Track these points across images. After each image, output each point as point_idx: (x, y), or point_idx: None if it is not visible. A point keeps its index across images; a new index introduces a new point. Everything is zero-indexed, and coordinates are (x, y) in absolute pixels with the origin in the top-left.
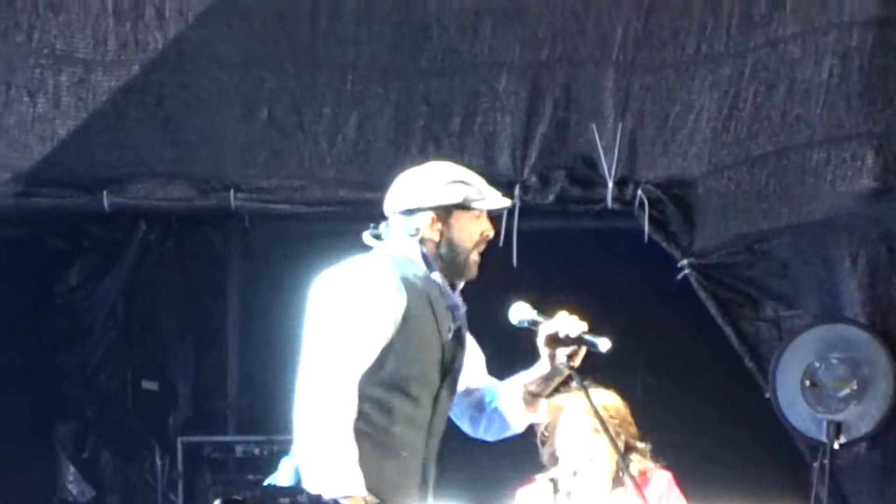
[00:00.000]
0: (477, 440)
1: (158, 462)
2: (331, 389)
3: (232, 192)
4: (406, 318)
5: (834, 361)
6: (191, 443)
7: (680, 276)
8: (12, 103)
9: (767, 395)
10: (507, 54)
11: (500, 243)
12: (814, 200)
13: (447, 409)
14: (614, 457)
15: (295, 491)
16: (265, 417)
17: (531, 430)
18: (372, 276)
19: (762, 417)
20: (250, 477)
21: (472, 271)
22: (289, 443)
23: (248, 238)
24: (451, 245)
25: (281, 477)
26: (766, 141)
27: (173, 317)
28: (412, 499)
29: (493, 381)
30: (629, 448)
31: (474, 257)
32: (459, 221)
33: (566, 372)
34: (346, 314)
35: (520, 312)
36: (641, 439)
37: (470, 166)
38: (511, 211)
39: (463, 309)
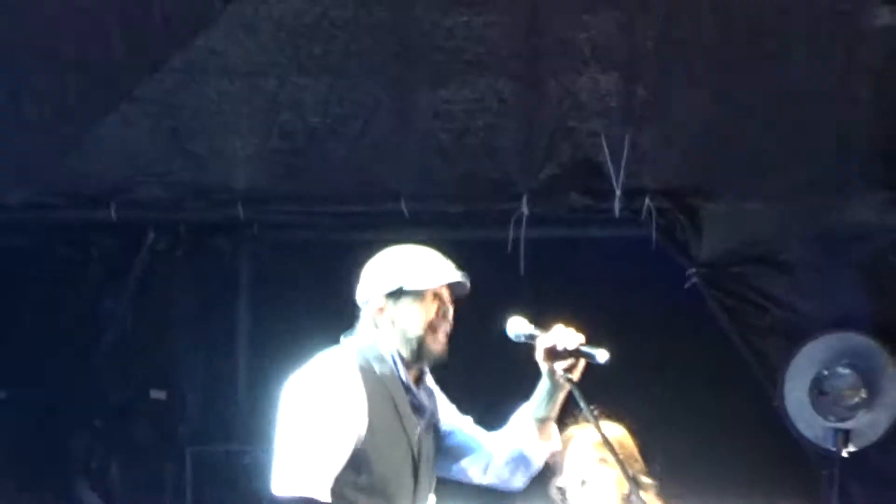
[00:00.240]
0: None
1: (167, 471)
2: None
3: (241, 201)
4: (371, 422)
5: (842, 370)
6: (200, 452)
7: (688, 285)
8: (20, 112)
9: (776, 404)
10: (514, 62)
11: (508, 251)
12: (822, 209)
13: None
14: (621, 488)
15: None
16: (274, 427)
17: None
18: (336, 383)
19: (771, 426)
20: (259, 486)
21: (433, 354)
22: None
23: (257, 247)
24: (402, 332)
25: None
26: (774, 148)
27: (182, 326)
28: None
29: (494, 433)
30: (635, 483)
31: (433, 340)
32: (403, 307)
33: (567, 386)
34: (313, 424)
35: (516, 327)
36: (647, 475)
37: (477, 175)
38: (519, 219)
39: (429, 406)
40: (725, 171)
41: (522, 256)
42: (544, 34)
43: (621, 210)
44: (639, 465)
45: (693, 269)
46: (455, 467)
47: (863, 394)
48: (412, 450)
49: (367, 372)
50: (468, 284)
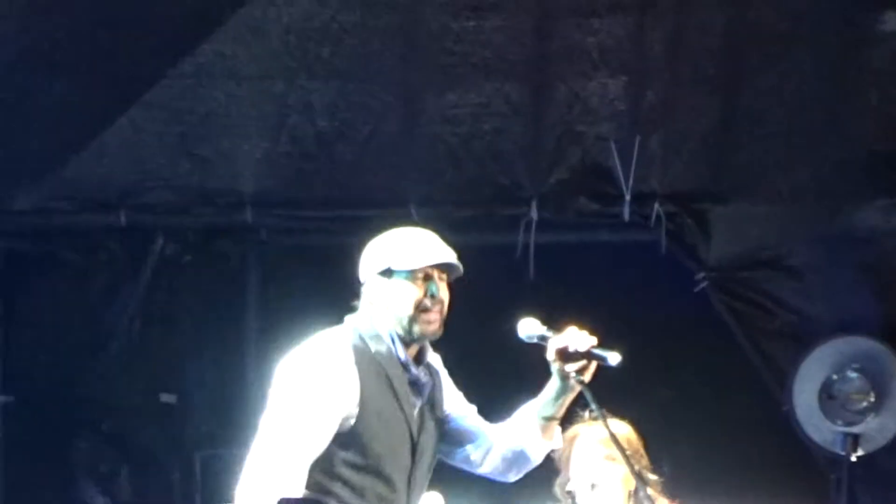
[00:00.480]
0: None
1: (176, 475)
2: (271, 475)
3: (249, 205)
4: (363, 400)
5: (851, 374)
6: (209, 456)
7: (697, 289)
8: (29, 116)
9: (785, 408)
10: (522, 66)
11: (517, 256)
12: (829, 213)
13: (423, 483)
14: (628, 485)
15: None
16: None
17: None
18: (325, 361)
19: (779, 430)
20: None
21: (423, 334)
22: None
23: (266, 251)
24: (392, 312)
25: None
26: (782, 153)
27: (191, 330)
28: None
29: (497, 425)
30: (641, 479)
31: (421, 320)
32: (391, 288)
33: (577, 388)
34: (296, 402)
35: (528, 328)
36: (653, 472)
37: (485, 179)
38: (528, 224)
39: (428, 384)
40: (734, 175)
41: (532, 261)
42: (552, 38)
43: (630, 214)
44: (645, 461)
45: (702, 274)
46: (455, 452)
47: (871, 398)
48: (410, 428)
49: (360, 350)
50: (459, 266)
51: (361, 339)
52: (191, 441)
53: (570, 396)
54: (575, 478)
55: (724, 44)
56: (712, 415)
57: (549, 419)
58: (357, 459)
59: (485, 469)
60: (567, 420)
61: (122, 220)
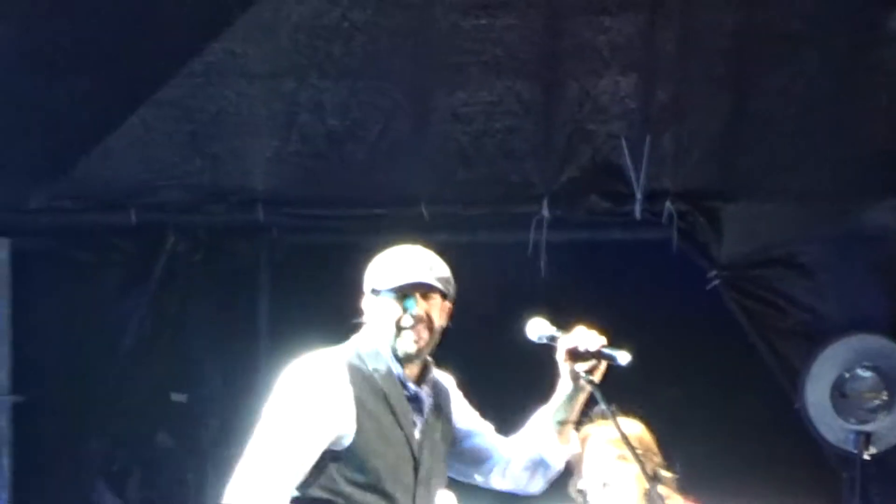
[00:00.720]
0: None
1: (188, 475)
2: (256, 491)
3: (260, 204)
4: (360, 418)
5: (863, 372)
6: (221, 455)
7: (709, 287)
8: (39, 116)
9: (797, 406)
10: (532, 64)
11: (529, 254)
12: (841, 211)
13: (429, 502)
14: (641, 484)
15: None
16: None
17: None
18: (317, 379)
19: (792, 428)
20: None
21: (404, 351)
22: None
23: (277, 250)
24: (377, 331)
25: None
26: (793, 151)
27: (202, 329)
28: None
29: (512, 438)
30: (654, 478)
31: (400, 339)
32: (377, 306)
33: (588, 388)
34: (285, 419)
35: (537, 328)
36: (666, 469)
37: (496, 177)
38: (539, 222)
39: (429, 402)
40: (745, 173)
41: (543, 259)
42: (563, 36)
43: (642, 213)
44: (658, 458)
45: (714, 272)
46: (473, 472)
47: (884, 396)
48: (411, 446)
49: (356, 368)
50: (436, 285)
51: (360, 357)
52: (202, 440)
53: (582, 397)
54: (587, 477)
55: (734, 43)
56: (724, 413)
57: (563, 423)
58: (357, 477)
59: (508, 484)
60: (578, 420)
61: (133, 218)
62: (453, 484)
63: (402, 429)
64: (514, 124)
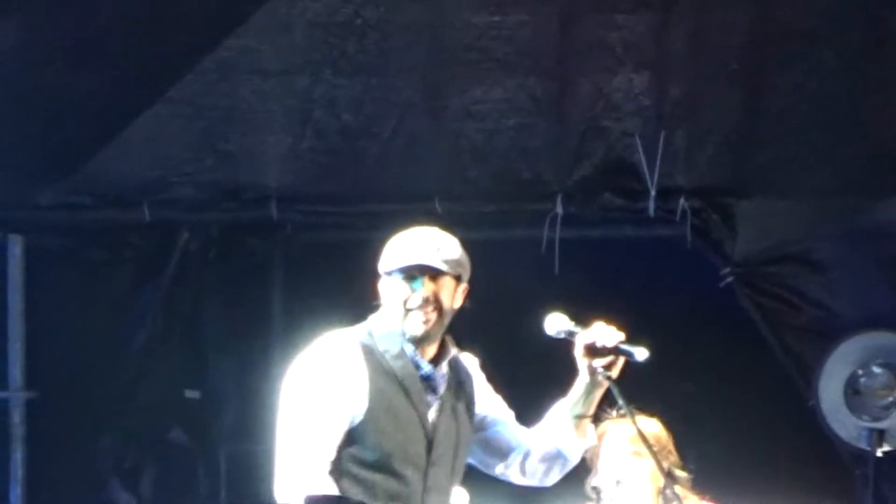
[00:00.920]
0: None
1: (201, 471)
2: (299, 476)
3: (274, 201)
4: (372, 396)
5: (876, 369)
6: (233, 451)
7: (722, 284)
8: (52, 112)
9: (810, 403)
10: (546, 61)
11: (543, 251)
12: (854, 208)
13: (444, 484)
14: (655, 482)
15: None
16: None
17: None
18: (332, 359)
19: (805, 426)
20: None
21: (411, 332)
22: None
23: (290, 247)
24: (388, 312)
25: None
26: (806, 148)
27: (215, 326)
28: None
29: (532, 430)
30: (669, 476)
31: (407, 320)
32: (387, 287)
33: (605, 383)
34: (309, 400)
35: (556, 323)
36: (682, 468)
37: (510, 174)
38: (553, 219)
39: (444, 383)
40: (759, 170)
41: (557, 256)
42: (576, 33)
43: (655, 210)
44: (673, 457)
45: (727, 269)
46: (493, 462)
47: None
48: (424, 426)
49: (369, 347)
50: (437, 266)
51: (372, 336)
52: (215, 437)
53: (599, 392)
54: (601, 474)
55: (747, 40)
56: (737, 410)
57: (581, 417)
58: (366, 455)
59: (527, 479)
60: (595, 417)
61: (147, 215)
62: (465, 480)
63: (414, 409)
64: (527, 121)
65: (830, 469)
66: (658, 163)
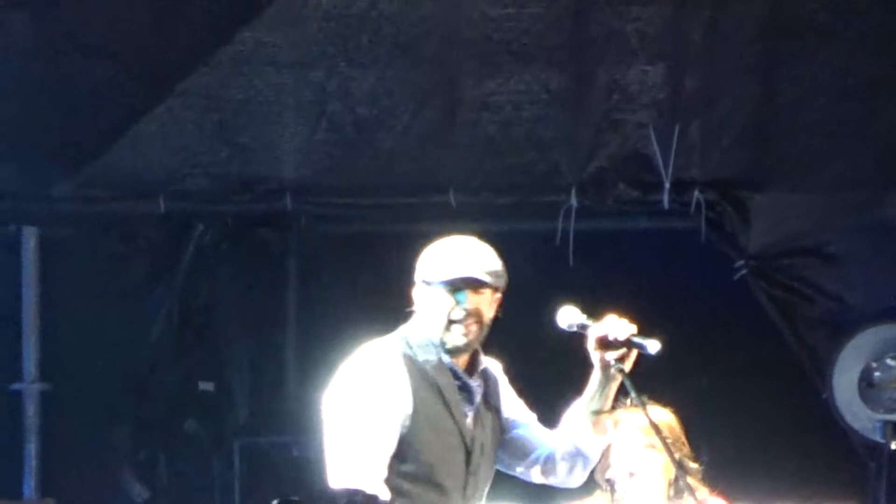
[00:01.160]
0: None
1: (215, 463)
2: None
3: (288, 193)
4: (416, 408)
5: (891, 362)
6: (248, 444)
7: (737, 277)
8: (68, 104)
9: (824, 396)
10: (561, 53)
11: (557, 243)
12: (868, 201)
13: (481, 491)
14: (668, 474)
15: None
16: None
17: None
18: (380, 371)
19: (819, 418)
20: (308, 478)
21: (450, 345)
22: None
23: (305, 239)
24: (427, 322)
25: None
26: (821, 141)
27: (230, 318)
28: None
29: (553, 431)
30: (681, 467)
31: (449, 332)
32: (428, 298)
33: (618, 377)
34: (357, 417)
35: (568, 316)
36: (694, 459)
37: (524, 166)
38: (567, 211)
39: (479, 392)
40: (773, 163)
41: (571, 248)
42: (591, 25)
43: (670, 202)
44: (686, 448)
45: (741, 261)
46: (516, 464)
47: None
48: (463, 437)
49: (410, 359)
50: (487, 281)
51: (410, 347)
52: (229, 429)
53: (614, 386)
54: (614, 466)
55: (762, 33)
56: (751, 402)
57: (597, 413)
58: (408, 468)
59: (550, 479)
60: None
61: (161, 207)
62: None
63: (454, 419)
64: (542, 113)
65: (844, 461)
66: (673, 155)
